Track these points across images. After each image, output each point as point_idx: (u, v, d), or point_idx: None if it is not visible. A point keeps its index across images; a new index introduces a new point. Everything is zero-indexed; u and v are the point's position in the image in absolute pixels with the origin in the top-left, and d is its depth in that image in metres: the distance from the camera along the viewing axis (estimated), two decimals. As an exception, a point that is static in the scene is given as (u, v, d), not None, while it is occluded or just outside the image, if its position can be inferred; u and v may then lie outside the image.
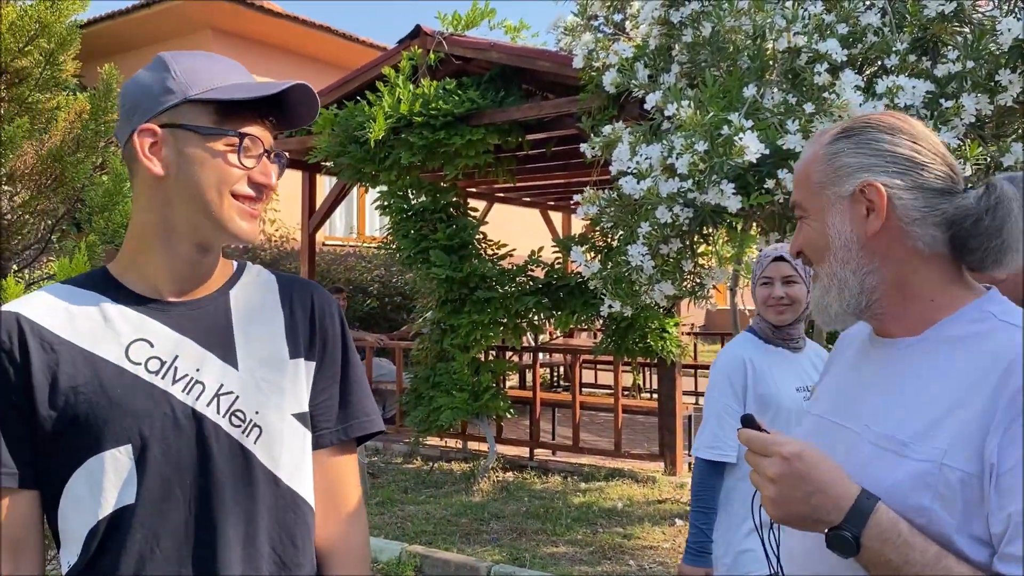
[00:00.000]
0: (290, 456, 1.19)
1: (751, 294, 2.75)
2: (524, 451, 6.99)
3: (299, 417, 1.21)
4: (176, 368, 1.14)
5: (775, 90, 3.96)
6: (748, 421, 1.17)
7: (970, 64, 3.62)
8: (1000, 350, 1.05)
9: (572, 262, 4.89)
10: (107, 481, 1.09)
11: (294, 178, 8.32)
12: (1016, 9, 3.79)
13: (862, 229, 1.14)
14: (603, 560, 4.65)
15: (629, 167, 4.05)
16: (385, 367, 8.10)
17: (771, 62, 3.98)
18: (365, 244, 10.43)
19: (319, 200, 8.36)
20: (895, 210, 1.13)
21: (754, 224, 4.42)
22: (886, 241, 1.13)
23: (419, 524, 5.30)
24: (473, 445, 7.23)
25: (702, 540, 2.55)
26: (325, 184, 9.28)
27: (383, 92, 6.26)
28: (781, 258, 2.63)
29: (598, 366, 10.40)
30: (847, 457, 1.13)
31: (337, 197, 8.19)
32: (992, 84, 3.62)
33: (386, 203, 6.78)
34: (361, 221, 12.40)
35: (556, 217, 11.59)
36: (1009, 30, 3.41)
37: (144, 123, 1.14)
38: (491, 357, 7.10)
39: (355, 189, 9.10)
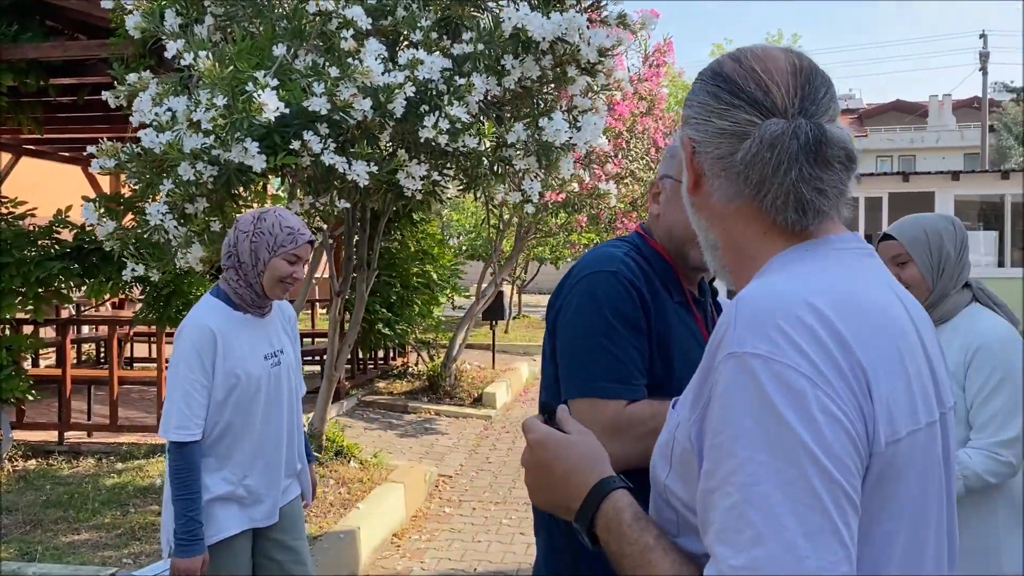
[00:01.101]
0: None
1: (248, 255, 2.50)
2: (52, 435, 6.24)
3: None
4: None
5: (309, 53, 3.95)
6: (543, 406, 1.10)
7: (481, 47, 3.96)
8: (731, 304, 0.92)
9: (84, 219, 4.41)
10: None
11: None
12: (519, 1, 4.22)
13: (688, 185, 1.06)
14: (132, 541, 4.33)
15: (152, 119, 3.76)
16: None
17: (309, 25, 3.97)
18: None
19: None
20: (700, 165, 1.02)
21: (295, 186, 4.40)
22: (705, 197, 1.03)
23: (-99, 531, 4.45)
24: (-12, 433, 6.27)
25: (193, 528, 2.41)
26: None
27: None
28: (311, 241, 2.61)
29: (152, 338, 9.69)
30: None
31: None
32: (500, 68, 4.01)
33: None
34: None
35: (104, 180, 10.50)
36: (509, 19, 3.78)
37: None
38: (9, 332, 6.20)
39: None
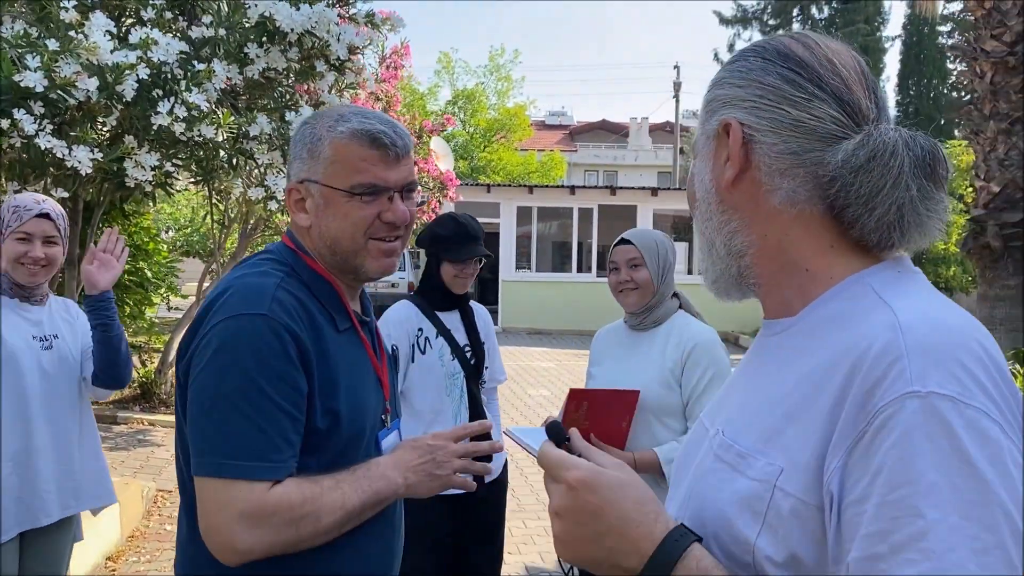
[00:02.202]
0: None
1: None
2: None
3: None
4: None
5: (16, 19, 3.49)
6: (553, 430, 0.88)
7: (223, 32, 3.73)
8: (857, 337, 0.79)
9: None
10: None
11: None
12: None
13: (721, 178, 0.91)
14: None
15: None
16: None
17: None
18: None
19: None
20: (754, 156, 0.88)
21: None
22: (748, 194, 0.89)
23: None
24: None
25: None
26: None
27: None
28: (45, 215, 2.42)
29: None
30: (696, 470, 0.91)
31: None
32: (243, 55, 3.80)
33: None
34: None
35: None
36: (256, 5, 3.60)
37: None
38: None
39: None
